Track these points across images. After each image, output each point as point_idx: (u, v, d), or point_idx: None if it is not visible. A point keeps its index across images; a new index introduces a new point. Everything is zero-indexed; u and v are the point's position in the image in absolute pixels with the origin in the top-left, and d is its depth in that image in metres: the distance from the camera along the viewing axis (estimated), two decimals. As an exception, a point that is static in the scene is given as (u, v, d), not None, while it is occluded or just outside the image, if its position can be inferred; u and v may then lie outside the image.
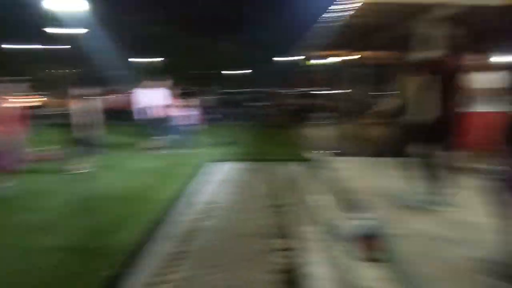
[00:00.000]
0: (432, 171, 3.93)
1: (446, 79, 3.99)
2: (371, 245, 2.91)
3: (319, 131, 14.60)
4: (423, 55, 4.26)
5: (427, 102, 3.96)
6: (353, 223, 3.25)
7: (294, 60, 21.51)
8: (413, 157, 4.09)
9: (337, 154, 6.84)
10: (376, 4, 6.40)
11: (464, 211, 3.60)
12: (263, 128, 16.06)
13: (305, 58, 16.87)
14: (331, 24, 8.02)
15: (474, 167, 5.08)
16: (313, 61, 18.09)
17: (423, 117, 3.95)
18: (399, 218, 3.49)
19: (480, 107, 5.31)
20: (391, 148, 4.81)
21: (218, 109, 18.91)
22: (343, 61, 14.53)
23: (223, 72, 37.40)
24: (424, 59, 4.20)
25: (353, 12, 6.95)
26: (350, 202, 3.93)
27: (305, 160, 6.70)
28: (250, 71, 37.88)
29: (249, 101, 21.75)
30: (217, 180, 6.55)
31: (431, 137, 3.93)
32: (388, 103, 5.10)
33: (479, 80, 5.29)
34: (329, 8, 7.20)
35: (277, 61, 33.94)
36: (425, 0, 6.20)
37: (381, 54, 13.35)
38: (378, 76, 26.16)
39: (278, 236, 4.08)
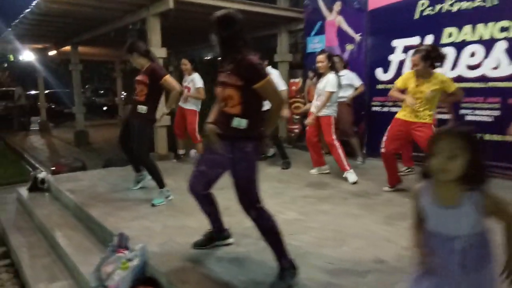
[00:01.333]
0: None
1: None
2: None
3: (37, 139, 12.45)
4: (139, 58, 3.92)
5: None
6: (119, 269, 2.58)
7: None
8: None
9: (64, 170, 5.75)
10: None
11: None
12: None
13: (10, 50, 13.77)
14: (36, 10, 6.59)
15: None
16: (20, 55, 15.10)
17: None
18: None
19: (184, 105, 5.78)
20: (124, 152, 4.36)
21: None
22: (54, 56, 12.74)
23: None
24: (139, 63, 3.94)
25: None
26: (110, 238, 3.17)
27: (33, 181, 5.21)
28: None
29: None
30: None
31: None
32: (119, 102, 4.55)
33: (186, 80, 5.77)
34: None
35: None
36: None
37: (100, 50, 12.44)
38: (97, 74, 24.85)
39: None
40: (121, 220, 3.40)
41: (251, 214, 2.29)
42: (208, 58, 13.13)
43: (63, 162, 6.14)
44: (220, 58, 2.43)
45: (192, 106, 5.71)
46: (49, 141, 11.96)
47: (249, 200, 2.28)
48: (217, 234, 2.76)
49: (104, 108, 20.27)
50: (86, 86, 22.76)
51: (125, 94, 17.27)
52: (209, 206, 2.64)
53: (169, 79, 3.89)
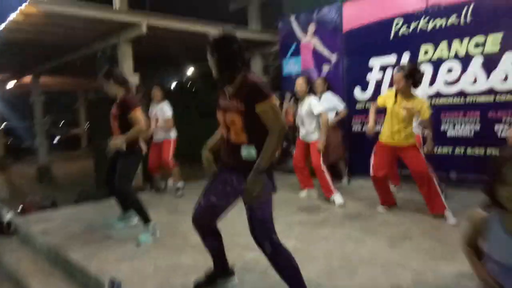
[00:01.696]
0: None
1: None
2: None
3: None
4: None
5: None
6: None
7: None
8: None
9: (27, 210, 5.28)
10: (33, 16, 5.08)
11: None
12: None
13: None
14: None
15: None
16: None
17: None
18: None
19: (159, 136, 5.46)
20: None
21: None
22: (12, 88, 12.09)
23: None
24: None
25: (9, 26, 5.50)
26: (96, 284, 2.85)
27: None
28: None
29: None
30: None
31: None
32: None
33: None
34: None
35: None
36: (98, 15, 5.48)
37: (62, 80, 11.96)
38: (58, 105, 24.05)
39: None
40: (107, 262, 3.07)
41: (266, 248, 2.09)
42: (176, 84, 12.92)
43: (31, 200, 5.66)
44: (218, 82, 2.26)
45: (167, 135, 5.43)
46: (9, 178, 11.19)
47: (264, 233, 2.09)
48: (220, 273, 2.52)
49: (55, 142, 19.08)
50: (45, 117, 21.70)
51: (88, 125, 16.60)
52: (214, 242, 2.39)
53: (136, 114, 3.59)
